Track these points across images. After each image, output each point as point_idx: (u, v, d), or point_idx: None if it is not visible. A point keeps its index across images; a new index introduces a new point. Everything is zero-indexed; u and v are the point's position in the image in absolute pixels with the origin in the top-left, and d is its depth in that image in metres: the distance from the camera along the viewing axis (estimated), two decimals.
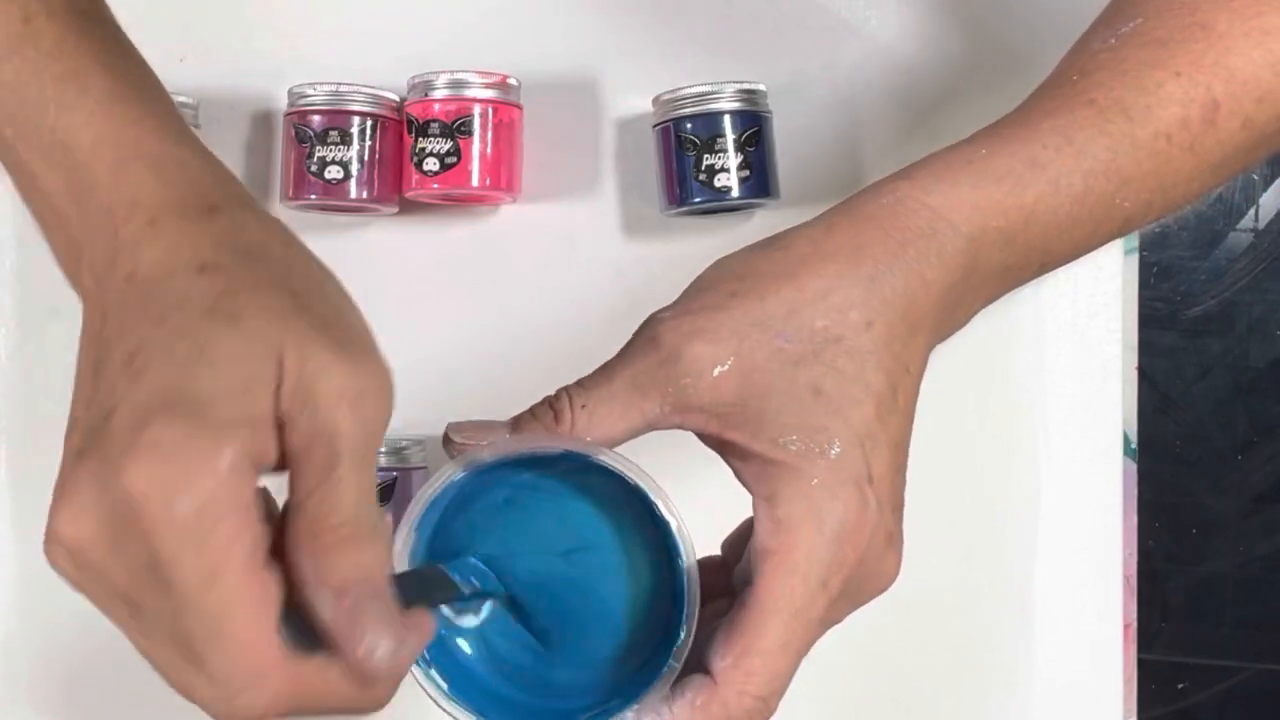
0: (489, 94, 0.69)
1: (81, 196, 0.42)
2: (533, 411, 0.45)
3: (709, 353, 0.43)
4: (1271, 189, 1.57)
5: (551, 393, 0.45)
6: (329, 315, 0.40)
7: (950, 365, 0.74)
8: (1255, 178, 1.57)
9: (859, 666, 0.72)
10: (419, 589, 0.41)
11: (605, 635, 0.44)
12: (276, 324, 0.38)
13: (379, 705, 0.39)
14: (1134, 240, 0.74)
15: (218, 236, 0.40)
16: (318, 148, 0.68)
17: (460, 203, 0.73)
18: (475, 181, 0.69)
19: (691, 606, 0.42)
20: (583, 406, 0.43)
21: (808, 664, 0.72)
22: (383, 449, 0.69)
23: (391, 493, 0.68)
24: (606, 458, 0.43)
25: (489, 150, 0.69)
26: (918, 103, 0.74)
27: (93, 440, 0.37)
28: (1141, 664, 0.74)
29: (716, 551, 0.49)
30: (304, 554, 0.38)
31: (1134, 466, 0.74)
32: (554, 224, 0.73)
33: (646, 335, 0.44)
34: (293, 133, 0.69)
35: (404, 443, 0.70)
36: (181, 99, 0.68)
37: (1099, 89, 0.49)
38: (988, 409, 0.73)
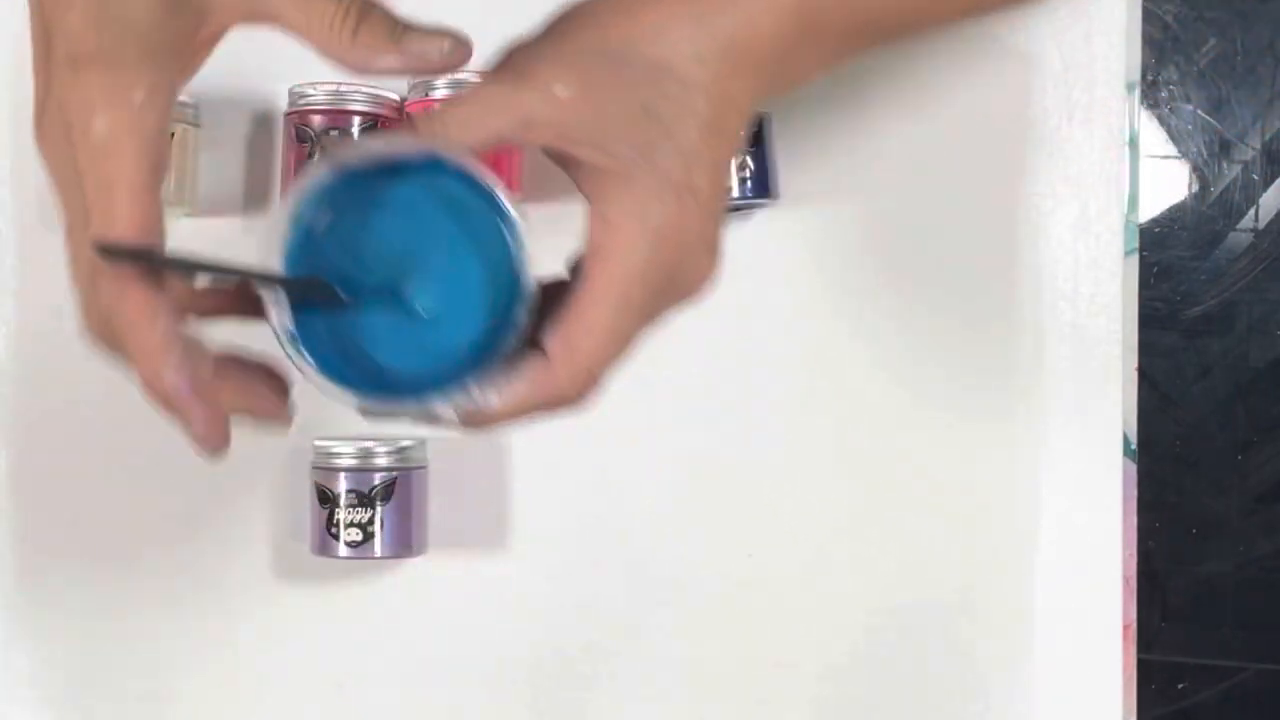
0: None
1: None
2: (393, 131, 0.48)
3: (554, 73, 0.47)
4: (1271, 189, 1.57)
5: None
6: None
7: (950, 365, 0.74)
8: (1255, 178, 1.57)
9: (859, 666, 0.72)
10: None
11: (458, 327, 0.49)
12: None
13: None
14: (1134, 240, 0.74)
15: None
16: (318, 148, 0.68)
17: None
18: None
19: (526, 290, 0.48)
20: (441, 123, 0.48)
21: (809, 662, 0.72)
22: (383, 448, 0.69)
23: (392, 493, 0.68)
24: (462, 160, 0.48)
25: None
26: (917, 102, 0.74)
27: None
28: (1141, 664, 0.74)
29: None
30: None
31: (1134, 467, 0.74)
32: (554, 224, 0.73)
33: (501, 61, 0.49)
34: (293, 133, 0.69)
35: (405, 442, 0.70)
36: (182, 99, 0.68)
37: None
38: (988, 410, 0.73)
